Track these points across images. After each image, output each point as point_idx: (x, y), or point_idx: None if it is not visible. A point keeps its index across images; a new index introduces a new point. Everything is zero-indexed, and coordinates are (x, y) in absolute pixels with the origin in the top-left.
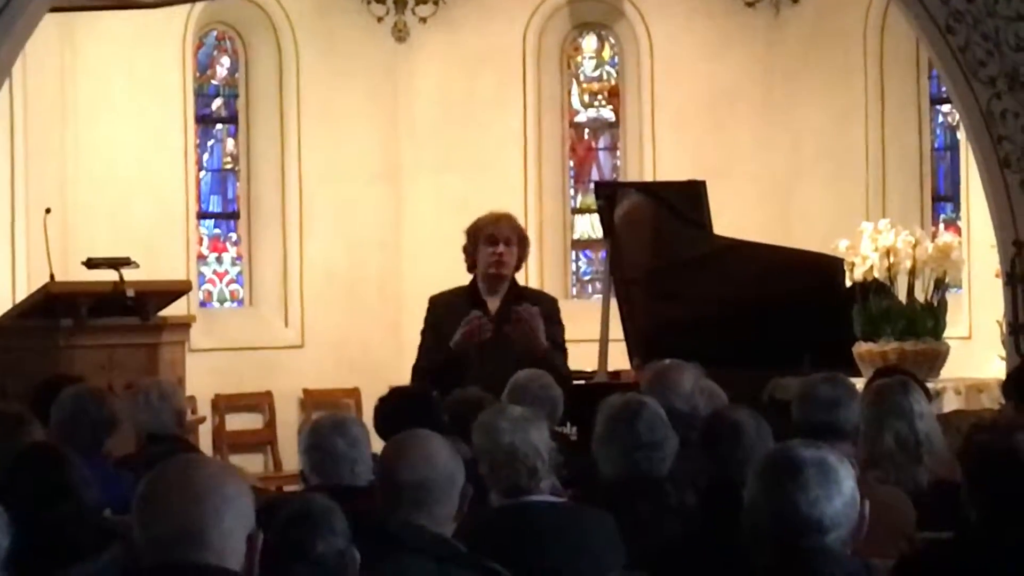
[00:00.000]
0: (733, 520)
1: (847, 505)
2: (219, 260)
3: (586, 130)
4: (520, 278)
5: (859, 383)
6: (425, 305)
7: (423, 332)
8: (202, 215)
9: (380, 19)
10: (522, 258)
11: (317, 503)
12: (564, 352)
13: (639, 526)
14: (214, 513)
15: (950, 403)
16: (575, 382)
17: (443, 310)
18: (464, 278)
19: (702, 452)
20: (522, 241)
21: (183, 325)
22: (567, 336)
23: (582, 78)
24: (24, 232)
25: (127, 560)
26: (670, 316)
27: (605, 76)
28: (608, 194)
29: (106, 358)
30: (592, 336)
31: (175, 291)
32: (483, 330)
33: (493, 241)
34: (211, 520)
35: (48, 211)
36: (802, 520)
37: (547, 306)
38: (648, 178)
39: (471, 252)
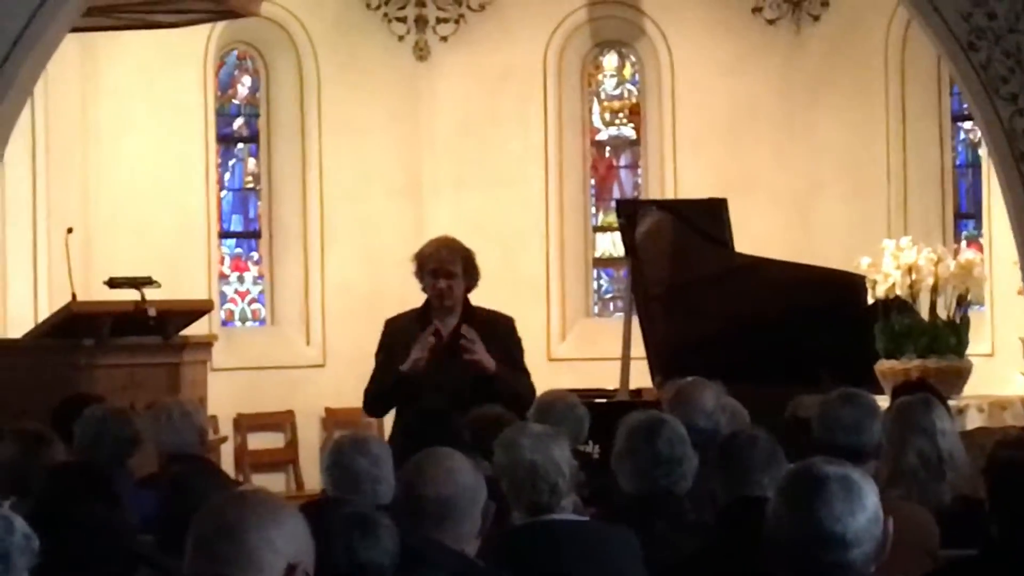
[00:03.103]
0: (749, 537)
1: (871, 521)
2: (240, 279)
3: (607, 148)
4: (541, 296)
5: (881, 401)
6: None
7: (376, 355)
8: (224, 234)
9: (401, 38)
10: (471, 280)
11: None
12: (526, 372)
13: (657, 543)
14: (253, 553)
15: (973, 420)
16: (598, 400)
17: (395, 333)
18: (483, 294)
19: (717, 471)
20: (468, 266)
21: (205, 344)
22: (587, 355)
23: (603, 96)
24: (46, 252)
25: None
26: (691, 333)
27: (626, 94)
28: (629, 212)
29: (128, 377)
30: (614, 354)
31: (197, 310)
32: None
33: (435, 275)
34: (250, 560)
35: (70, 231)
36: (825, 536)
37: (503, 328)
38: (669, 195)
39: (420, 278)
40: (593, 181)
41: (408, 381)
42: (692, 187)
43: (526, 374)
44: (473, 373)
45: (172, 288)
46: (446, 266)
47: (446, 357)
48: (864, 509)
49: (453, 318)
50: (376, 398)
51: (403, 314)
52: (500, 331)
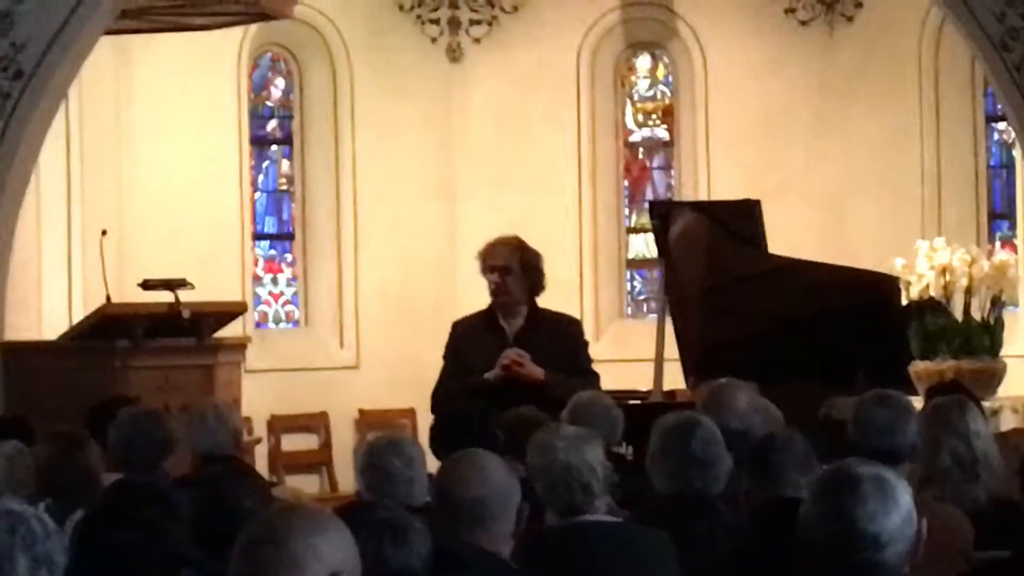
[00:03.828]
0: (783, 539)
1: (905, 521)
2: (274, 281)
3: (640, 149)
4: (575, 298)
5: (915, 402)
6: None
7: (444, 357)
8: (257, 236)
9: (434, 40)
10: (532, 280)
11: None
12: (594, 375)
13: (690, 544)
14: (295, 559)
15: (1007, 422)
16: (631, 401)
17: (463, 335)
18: None
19: (751, 472)
20: (526, 265)
21: (239, 346)
22: (621, 356)
23: (636, 97)
24: (80, 254)
25: None
26: (725, 335)
27: (659, 95)
28: (663, 213)
29: (162, 379)
30: (647, 356)
31: (231, 312)
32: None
33: (491, 270)
34: (292, 566)
35: (104, 233)
36: (859, 535)
37: (569, 330)
38: (703, 197)
39: (484, 276)
40: (626, 183)
41: (486, 391)
42: (725, 188)
43: (593, 375)
44: (526, 384)
45: (206, 290)
46: (500, 261)
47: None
48: (898, 508)
49: (519, 319)
50: (447, 401)
51: (469, 316)
52: (566, 333)
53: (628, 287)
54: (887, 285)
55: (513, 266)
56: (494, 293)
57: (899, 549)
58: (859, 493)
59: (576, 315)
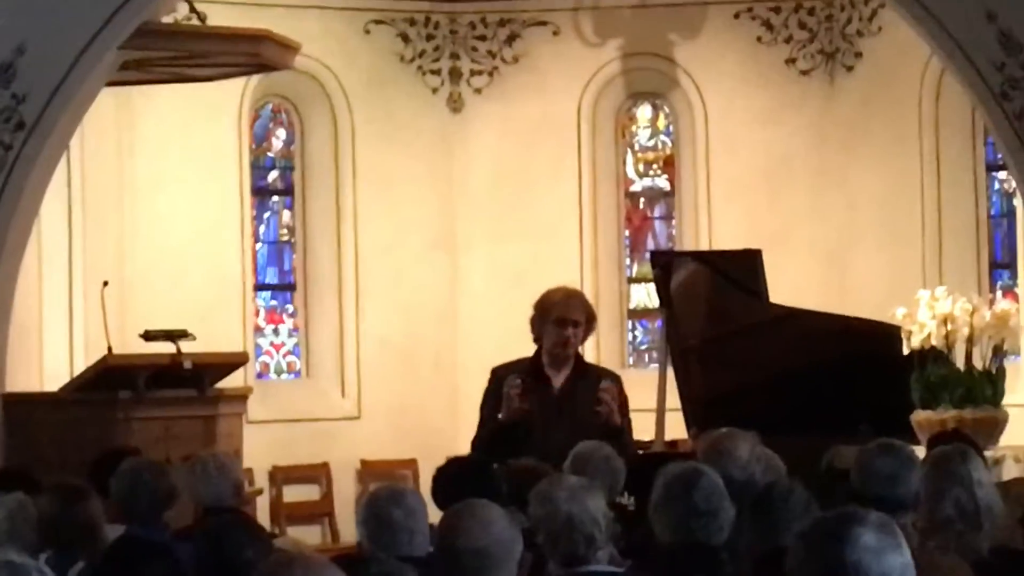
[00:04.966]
0: None
1: (908, 566)
2: (276, 332)
3: (641, 199)
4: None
5: (918, 451)
6: (482, 374)
7: (481, 406)
8: (259, 287)
9: (435, 90)
10: (588, 334)
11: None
12: (629, 430)
13: None
14: None
15: (1009, 471)
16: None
17: (502, 383)
18: (520, 347)
19: (753, 522)
20: (590, 320)
21: (240, 397)
22: None
23: (637, 147)
24: (82, 305)
25: None
26: (727, 385)
27: (660, 145)
28: (664, 263)
29: (164, 430)
30: (649, 406)
31: (232, 363)
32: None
33: (563, 324)
34: None
35: (106, 284)
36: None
37: (616, 385)
38: (704, 246)
39: (538, 327)
40: (627, 232)
41: (507, 430)
42: (726, 238)
43: (628, 431)
44: (602, 425)
45: (207, 341)
46: (573, 314)
47: (554, 413)
48: (903, 550)
49: (565, 371)
50: (479, 447)
51: (511, 363)
52: (613, 389)
53: (630, 337)
54: (888, 335)
55: (582, 321)
56: (562, 346)
57: None
58: (865, 534)
59: None
